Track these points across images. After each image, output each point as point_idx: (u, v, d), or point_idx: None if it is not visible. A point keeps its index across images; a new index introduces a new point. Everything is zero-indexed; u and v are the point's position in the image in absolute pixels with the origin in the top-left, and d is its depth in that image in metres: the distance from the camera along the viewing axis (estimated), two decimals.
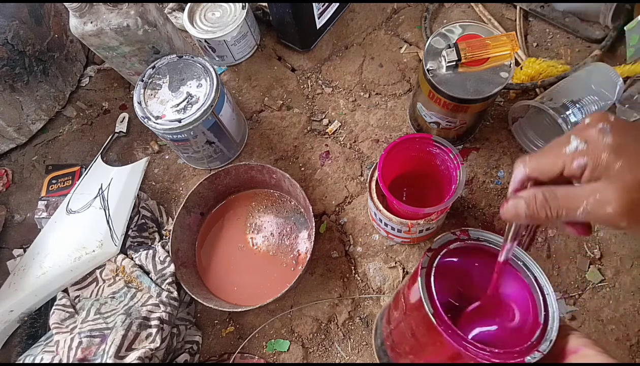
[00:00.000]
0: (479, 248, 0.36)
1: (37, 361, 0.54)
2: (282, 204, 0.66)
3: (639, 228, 0.27)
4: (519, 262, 0.35)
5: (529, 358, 0.29)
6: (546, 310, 0.32)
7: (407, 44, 0.76)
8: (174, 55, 0.61)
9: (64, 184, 0.72)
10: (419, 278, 0.32)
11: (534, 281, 0.34)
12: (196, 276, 0.62)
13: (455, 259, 0.36)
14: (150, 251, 0.60)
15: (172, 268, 0.58)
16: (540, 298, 0.33)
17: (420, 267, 0.33)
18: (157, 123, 0.57)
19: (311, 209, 0.58)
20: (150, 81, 0.60)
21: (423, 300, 0.31)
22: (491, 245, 0.36)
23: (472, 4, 0.76)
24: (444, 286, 0.34)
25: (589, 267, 0.58)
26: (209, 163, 0.69)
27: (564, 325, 0.32)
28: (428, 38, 0.57)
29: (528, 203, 0.30)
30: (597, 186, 0.27)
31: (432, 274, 0.33)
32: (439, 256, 0.34)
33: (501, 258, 0.34)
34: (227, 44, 0.72)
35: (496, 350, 0.29)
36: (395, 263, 0.60)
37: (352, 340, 0.58)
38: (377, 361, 0.45)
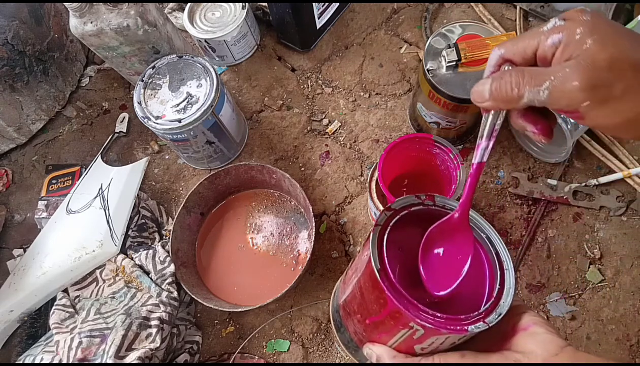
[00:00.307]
0: (443, 215, 0.33)
1: (37, 361, 0.54)
2: (282, 204, 0.66)
3: (599, 110, 0.26)
4: (482, 235, 0.33)
5: (472, 327, 0.28)
6: (502, 284, 0.30)
7: (407, 44, 0.76)
8: (174, 55, 0.61)
9: (64, 184, 0.72)
10: (371, 234, 0.30)
11: (494, 255, 0.32)
12: (196, 276, 0.62)
13: (415, 227, 0.34)
14: (150, 251, 0.60)
15: (172, 268, 0.58)
16: (499, 271, 0.31)
17: (375, 224, 0.31)
18: (157, 123, 0.57)
19: (311, 209, 0.58)
20: (150, 81, 0.60)
21: (371, 255, 0.29)
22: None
23: (472, 4, 0.76)
24: (398, 251, 0.32)
25: (589, 267, 0.58)
26: (209, 163, 0.69)
27: (520, 304, 0.31)
28: (428, 38, 0.57)
29: (495, 79, 0.29)
30: (565, 64, 0.27)
31: (386, 232, 0.31)
32: (397, 217, 0.32)
33: (476, 159, 0.31)
34: (227, 44, 0.72)
35: (438, 315, 0.28)
36: None
37: None
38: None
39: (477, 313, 0.29)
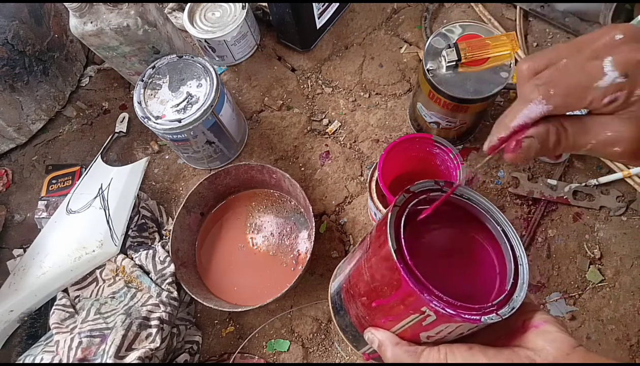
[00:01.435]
0: (460, 206, 0.33)
1: (37, 361, 0.54)
2: (282, 204, 0.66)
3: (631, 162, 0.26)
4: (498, 228, 0.32)
5: (485, 317, 0.27)
6: (515, 279, 0.30)
7: (407, 44, 0.76)
8: (174, 56, 0.61)
9: (64, 184, 0.72)
10: (389, 214, 0.30)
11: (509, 249, 0.31)
12: (196, 276, 0.62)
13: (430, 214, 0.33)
14: (150, 251, 0.60)
15: (172, 268, 0.58)
16: (512, 266, 0.31)
17: (393, 205, 0.30)
18: (157, 123, 0.57)
19: (311, 209, 0.58)
20: (150, 81, 0.60)
21: (388, 235, 0.28)
22: (474, 205, 0.33)
23: (472, 4, 0.76)
24: (413, 235, 0.31)
25: (589, 267, 0.58)
26: (209, 163, 0.69)
27: (531, 303, 0.30)
28: (428, 38, 0.57)
29: (541, 140, 0.26)
30: (609, 121, 0.24)
31: (404, 214, 0.30)
32: (415, 200, 0.31)
33: (459, 179, 0.33)
34: (227, 44, 0.72)
35: (452, 301, 0.27)
36: None
37: None
38: None
39: (490, 304, 0.28)
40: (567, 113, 0.26)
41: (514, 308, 0.28)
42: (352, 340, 0.37)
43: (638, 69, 0.23)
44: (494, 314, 0.27)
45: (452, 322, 0.27)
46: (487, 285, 0.31)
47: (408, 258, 0.28)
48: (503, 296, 0.29)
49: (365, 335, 0.33)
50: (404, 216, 0.30)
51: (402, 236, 0.29)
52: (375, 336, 0.31)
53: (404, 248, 0.28)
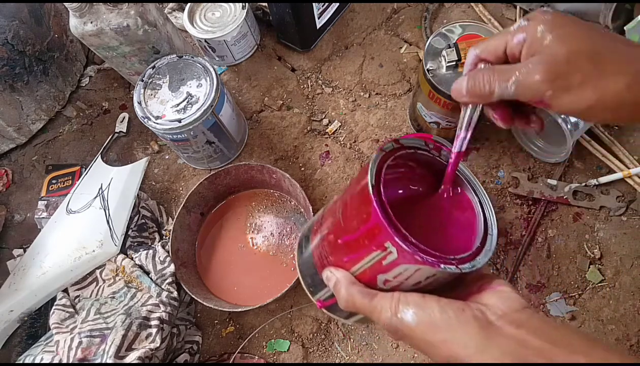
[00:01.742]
0: (443, 167, 0.34)
1: (37, 361, 0.54)
2: (282, 204, 0.66)
3: (562, 98, 0.29)
4: (476, 198, 0.33)
5: (444, 266, 0.27)
6: (482, 245, 0.30)
7: (407, 44, 0.76)
8: (174, 56, 0.61)
9: (64, 184, 0.72)
10: (375, 155, 0.31)
11: (482, 219, 0.32)
12: (196, 276, 0.62)
13: (411, 170, 0.35)
14: (150, 251, 0.60)
15: (172, 268, 0.58)
16: (482, 234, 0.31)
17: (380, 149, 0.32)
18: (157, 123, 0.57)
19: (311, 209, 0.58)
20: (150, 81, 0.60)
21: (369, 172, 0.29)
22: (458, 173, 0.34)
23: (472, 4, 0.76)
24: (393, 186, 0.32)
25: (589, 267, 0.58)
26: (209, 163, 0.69)
27: (493, 274, 0.31)
28: (428, 38, 0.57)
29: (470, 77, 0.33)
30: (529, 60, 0.30)
31: (388, 160, 0.31)
32: (402, 152, 0.33)
33: (455, 148, 0.33)
34: (227, 44, 0.72)
35: (415, 241, 0.27)
36: None
37: (352, 340, 0.58)
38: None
39: (452, 257, 0.28)
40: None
41: (474, 267, 0.29)
42: (309, 285, 0.37)
43: (535, 16, 0.31)
44: (454, 266, 0.28)
45: (412, 263, 0.27)
46: (457, 246, 0.31)
47: (383, 195, 0.29)
48: (467, 254, 0.29)
49: (323, 274, 0.33)
50: (387, 163, 0.31)
51: (382, 176, 0.30)
52: (334, 274, 0.32)
53: (381, 185, 0.29)
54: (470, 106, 0.34)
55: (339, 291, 0.31)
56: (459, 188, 0.34)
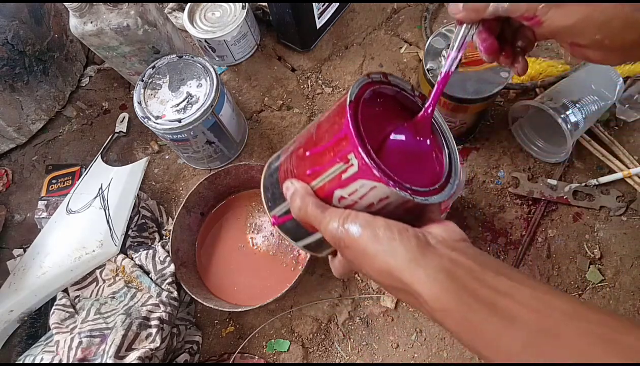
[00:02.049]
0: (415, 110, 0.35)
1: (37, 361, 0.54)
2: None
3: (554, 12, 0.30)
4: (446, 149, 0.34)
5: (397, 189, 0.28)
6: (442, 188, 0.31)
7: (407, 44, 0.76)
8: (174, 55, 0.61)
9: (64, 184, 0.72)
10: (360, 77, 0.32)
11: (447, 165, 0.33)
12: (196, 276, 0.62)
13: (391, 108, 0.35)
14: (150, 251, 0.60)
15: (172, 268, 0.58)
16: (445, 176, 0.32)
17: (366, 74, 0.32)
18: (157, 123, 0.57)
19: None
20: (150, 80, 0.60)
21: (350, 90, 0.30)
22: (435, 122, 0.35)
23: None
24: (371, 114, 0.33)
25: (589, 267, 0.58)
26: (209, 163, 0.69)
27: (447, 220, 0.32)
28: (428, 38, 0.57)
29: None
30: None
31: (373, 88, 0.32)
32: (387, 86, 0.33)
33: (444, 68, 0.34)
34: (227, 44, 0.72)
35: (376, 159, 0.28)
36: None
37: (352, 340, 0.58)
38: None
39: (409, 186, 0.29)
40: None
41: (427, 200, 0.29)
42: (269, 199, 0.37)
43: None
44: (407, 193, 0.28)
45: (369, 179, 0.28)
46: (419, 183, 0.32)
47: (359, 113, 0.30)
48: (423, 190, 0.30)
49: (284, 185, 0.34)
50: (370, 90, 0.32)
51: (362, 97, 0.31)
52: (294, 185, 0.33)
53: (360, 106, 0.30)
54: (465, 25, 0.35)
55: (294, 200, 0.32)
56: (432, 133, 0.35)
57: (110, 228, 0.61)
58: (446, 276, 0.26)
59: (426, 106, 0.34)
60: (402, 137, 0.34)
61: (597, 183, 0.60)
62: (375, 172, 0.28)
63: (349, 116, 0.29)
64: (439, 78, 0.34)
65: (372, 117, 0.33)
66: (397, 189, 0.28)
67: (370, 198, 0.29)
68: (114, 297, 0.58)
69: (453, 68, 0.34)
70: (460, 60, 0.34)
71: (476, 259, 0.27)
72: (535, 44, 0.38)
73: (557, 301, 0.25)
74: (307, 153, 0.33)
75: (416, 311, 0.58)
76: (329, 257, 0.38)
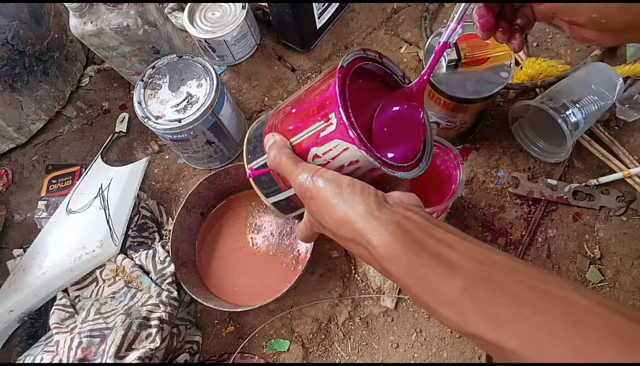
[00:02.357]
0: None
1: (37, 361, 0.54)
2: None
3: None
4: (428, 135, 0.36)
5: (368, 155, 0.30)
6: (414, 165, 0.33)
7: (407, 44, 0.76)
8: (174, 55, 0.61)
9: (64, 184, 0.72)
10: (356, 49, 0.33)
11: (421, 150, 0.35)
12: (196, 276, 0.62)
13: (379, 87, 0.37)
14: (150, 251, 0.60)
15: (172, 268, 0.58)
16: (417, 160, 0.34)
17: (362, 48, 0.34)
18: (157, 123, 0.57)
19: None
20: (150, 80, 0.60)
21: (343, 57, 0.32)
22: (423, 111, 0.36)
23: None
24: (359, 86, 0.34)
25: (589, 267, 0.58)
26: (209, 163, 0.69)
27: (414, 196, 0.33)
28: (428, 38, 0.57)
29: None
30: None
31: (365, 63, 0.33)
32: (380, 66, 0.35)
33: (443, 38, 0.35)
34: (227, 44, 0.72)
35: (354, 123, 0.30)
36: None
37: (352, 340, 0.58)
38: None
39: (380, 155, 0.31)
40: None
41: (393, 173, 0.31)
42: (249, 152, 0.39)
43: None
44: (377, 161, 0.30)
45: (344, 140, 0.30)
46: (396, 158, 0.34)
47: (348, 81, 0.31)
48: (394, 164, 0.32)
49: (266, 137, 0.36)
50: (362, 64, 0.34)
51: (353, 66, 0.32)
52: (274, 137, 0.35)
53: (349, 74, 0.32)
54: None
55: (272, 150, 0.34)
56: (420, 111, 0.36)
57: (110, 228, 0.61)
58: (397, 227, 0.28)
59: (422, 73, 0.35)
60: (388, 110, 0.36)
61: (597, 183, 0.60)
62: (350, 133, 0.29)
63: (337, 78, 0.30)
64: (437, 47, 0.35)
65: (358, 90, 0.34)
66: (367, 154, 0.30)
67: (342, 159, 0.31)
68: (114, 297, 0.58)
69: (451, 39, 0.35)
70: (458, 32, 0.35)
71: (427, 218, 0.29)
72: (535, 23, 0.38)
73: (498, 257, 0.26)
74: (293, 111, 0.34)
75: (416, 311, 0.58)
76: (295, 221, 0.39)
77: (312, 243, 0.57)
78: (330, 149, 0.31)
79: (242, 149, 0.40)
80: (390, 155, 0.33)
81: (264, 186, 0.38)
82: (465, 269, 0.26)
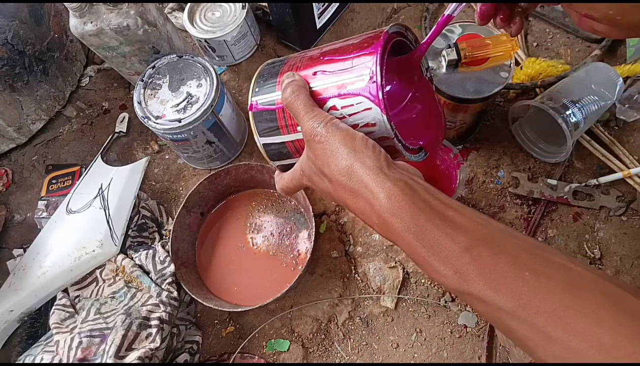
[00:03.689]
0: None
1: (37, 361, 0.54)
2: (282, 204, 0.66)
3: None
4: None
5: (387, 121, 0.30)
6: (418, 152, 0.34)
7: None
8: (174, 55, 0.61)
9: (64, 184, 0.72)
10: (397, 23, 0.34)
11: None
12: (196, 276, 0.62)
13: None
14: (150, 251, 0.60)
15: (172, 268, 0.58)
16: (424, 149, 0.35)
17: (403, 25, 0.35)
18: (157, 123, 0.57)
19: (311, 209, 0.58)
20: (150, 80, 0.60)
21: (388, 27, 0.32)
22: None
23: (472, 4, 0.76)
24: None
25: None
26: (209, 163, 0.69)
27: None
28: None
29: None
30: None
31: (401, 33, 0.34)
32: (413, 45, 0.36)
33: (447, 11, 0.35)
34: (227, 44, 0.72)
35: (384, 88, 0.30)
36: (395, 262, 0.60)
37: (352, 340, 0.58)
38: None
39: (397, 132, 0.31)
40: None
41: (403, 148, 0.32)
42: (259, 85, 0.38)
43: None
44: (392, 130, 0.31)
45: (369, 99, 0.30)
46: (413, 136, 0.35)
47: (386, 43, 0.32)
48: (412, 147, 0.33)
49: (286, 74, 0.35)
50: (398, 34, 0.35)
51: (389, 33, 0.33)
52: (294, 75, 0.34)
53: (391, 42, 0.32)
54: None
55: (288, 87, 0.33)
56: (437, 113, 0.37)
57: (110, 228, 0.61)
58: (405, 185, 0.28)
59: (422, 42, 0.36)
60: (414, 97, 0.37)
61: (597, 183, 0.60)
62: (380, 93, 0.29)
63: (383, 37, 0.31)
64: (440, 19, 0.35)
65: (388, 65, 0.34)
66: (388, 120, 0.30)
67: (359, 118, 0.31)
68: (114, 297, 0.58)
69: (455, 13, 0.35)
70: (462, 8, 0.35)
71: (433, 186, 0.30)
72: (538, 5, 0.38)
73: (499, 224, 0.27)
74: (324, 58, 0.34)
75: (416, 311, 0.58)
76: (276, 172, 0.39)
77: (312, 243, 0.57)
78: (352, 105, 0.31)
79: (251, 83, 0.39)
80: (405, 134, 0.34)
81: (262, 123, 0.37)
82: (468, 229, 0.26)
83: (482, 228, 0.26)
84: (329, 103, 0.32)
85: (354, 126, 0.31)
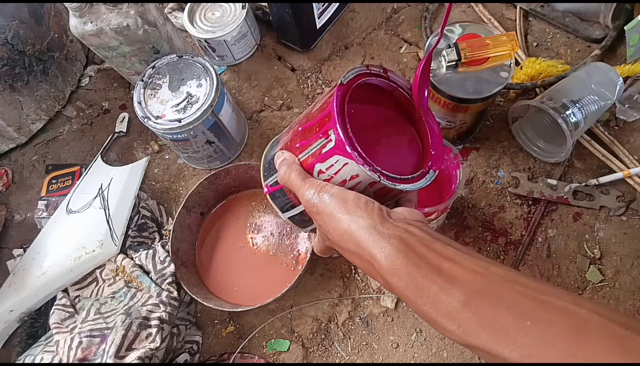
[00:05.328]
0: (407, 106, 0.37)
1: (37, 361, 0.54)
2: None
3: None
4: (434, 152, 0.36)
5: (367, 169, 0.30)
6: (416, 179, 0.33)
7: (407, 44, 0.76)
8: (174, 55, 0.61)
9: (64, 184, 0.72)
10: (359, 66, 0.34)
11: (430, 163, 0.36)
12: (196, 276, 0.62)
13: (383, 101, 0.37)
14: (150, 251, 0.60)
15: (172, 267, 0.58)
16: (421, 172, 0.34)
17: (366, 65, 0.35)
18: (157, 123, 0.57)
19: None
20: (150, 80, 0.60)
21: (342, 77, 0.32)
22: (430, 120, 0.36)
23: (472, 4, 0.76)
24: (363, 102, 0.35)
25: (589, 267, 0.58)
26: (209, 163, 0.69)
27: (418, 212, 0.33)
28: (428, 38, 0.57)
29: None
30: None
31: (369, 78, 0.34)
32: (384, 81, 0.35)
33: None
34: (227, 44, 0.72)
35: (353, 139, 0.30)
36: None
37: (352, 340, 0.58)
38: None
39: (380, 169, 0.31)
40: None
41: (394, 185, 0.31)
42: (266, 169, 0.40)
43: None
44: (377, 174, 0.31)
45: (343, 155, 0.31)
46: (397, 171, 0.34)
47: (348, 96, 0.32)
48: (398, 177, 0.32)
49: (277, 154, 0.37)
50: (365, 80, 0.34)
51: (355, 83, 0.33)
52: (284, 154, 0.36)
53: (349, 91, 0.32)
54: None
55: (281, 167, 0.35)
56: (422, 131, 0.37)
57: (110, 228, 0.61)
58: (399, 241, 0.28)
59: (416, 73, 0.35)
60: (388, 125, 0.36)
61: (597, 183, 0.60)
62: (347, 148, 0.30)
63: (335, 96, 0.31)
64: (426, 55, 0.35)
65: (362, 105, 0.35)
66: (366, 168, 0.30)
67: (343, 174, 0.32)
68: (114, 297, 0.58)
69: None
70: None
71: (429, 233, 0.29)
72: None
73: (497, 269, 0.27)
74: (300, 129, 0.35)
75: None
76: (311, 235, 0.40)
77: (312, 243, 0.57)
78: (332, 165, 0.32)
79: (259, 166, 0.42)
80: (392, 168, 0.33)
81: (279, 201, 0.39)
82: (465, 282, 0.26)
83: (480, 278, 0.26)
84: (316, 168, 0.33)
85: (343, 182, 0.32)
